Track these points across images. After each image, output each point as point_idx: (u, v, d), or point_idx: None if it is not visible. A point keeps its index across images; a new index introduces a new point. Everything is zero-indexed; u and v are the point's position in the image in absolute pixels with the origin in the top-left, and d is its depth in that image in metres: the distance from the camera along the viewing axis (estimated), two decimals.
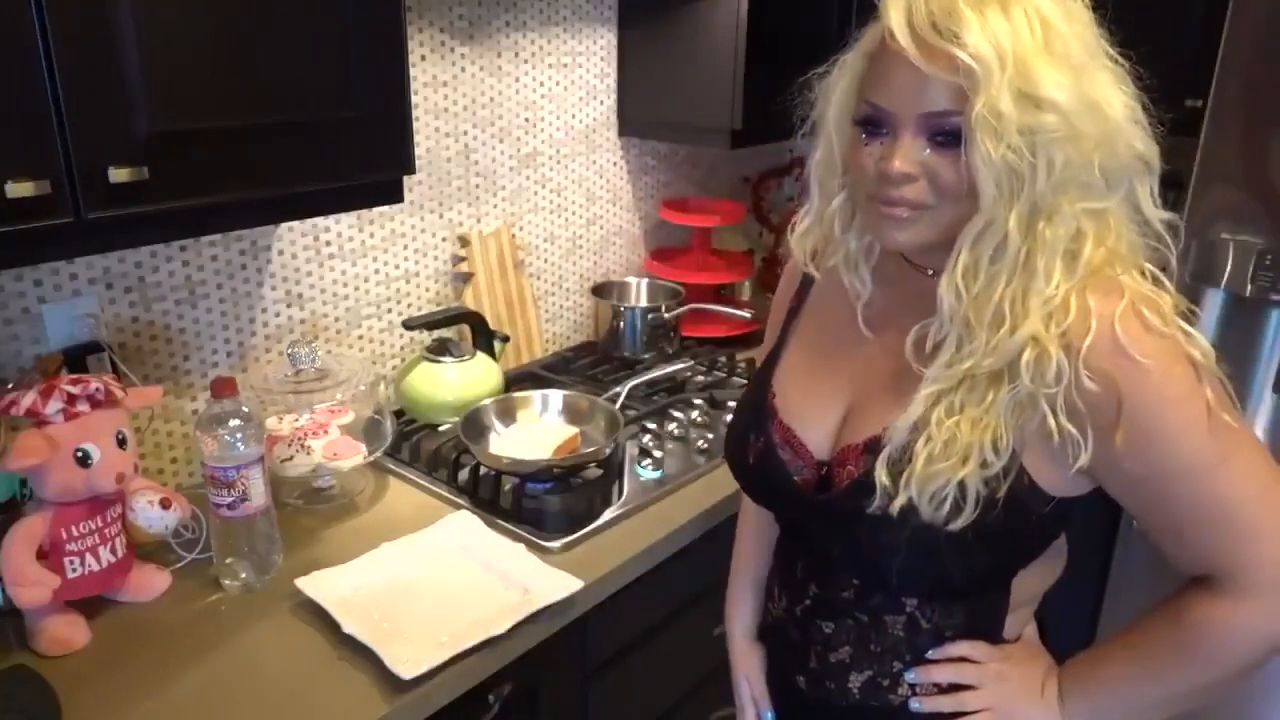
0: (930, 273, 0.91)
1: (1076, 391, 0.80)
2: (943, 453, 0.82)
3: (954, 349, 0.84)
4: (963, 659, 0.95)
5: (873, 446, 0.90)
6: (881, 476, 0.85)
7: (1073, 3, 0.81)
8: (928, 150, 0.81)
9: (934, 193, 0.82)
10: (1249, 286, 1.73)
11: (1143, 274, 0.84)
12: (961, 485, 0.82)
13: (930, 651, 0.95)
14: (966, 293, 0.82)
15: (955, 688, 0.95)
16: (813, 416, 0.98)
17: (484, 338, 1.78)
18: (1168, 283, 0.84)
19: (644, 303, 2.14)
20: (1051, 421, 0.81)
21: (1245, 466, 0.83)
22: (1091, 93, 0.78)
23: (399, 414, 1.69)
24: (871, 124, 0.84)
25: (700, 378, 1.94)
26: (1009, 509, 0.84)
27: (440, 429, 1.67)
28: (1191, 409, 0.80)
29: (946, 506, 0.82)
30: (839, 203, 0.94)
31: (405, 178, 1.35)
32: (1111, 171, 0.81)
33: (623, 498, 1.49)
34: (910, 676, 0.95)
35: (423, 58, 1.71)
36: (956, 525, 0.83)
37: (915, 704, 0.96)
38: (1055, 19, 0.78)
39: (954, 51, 0.76)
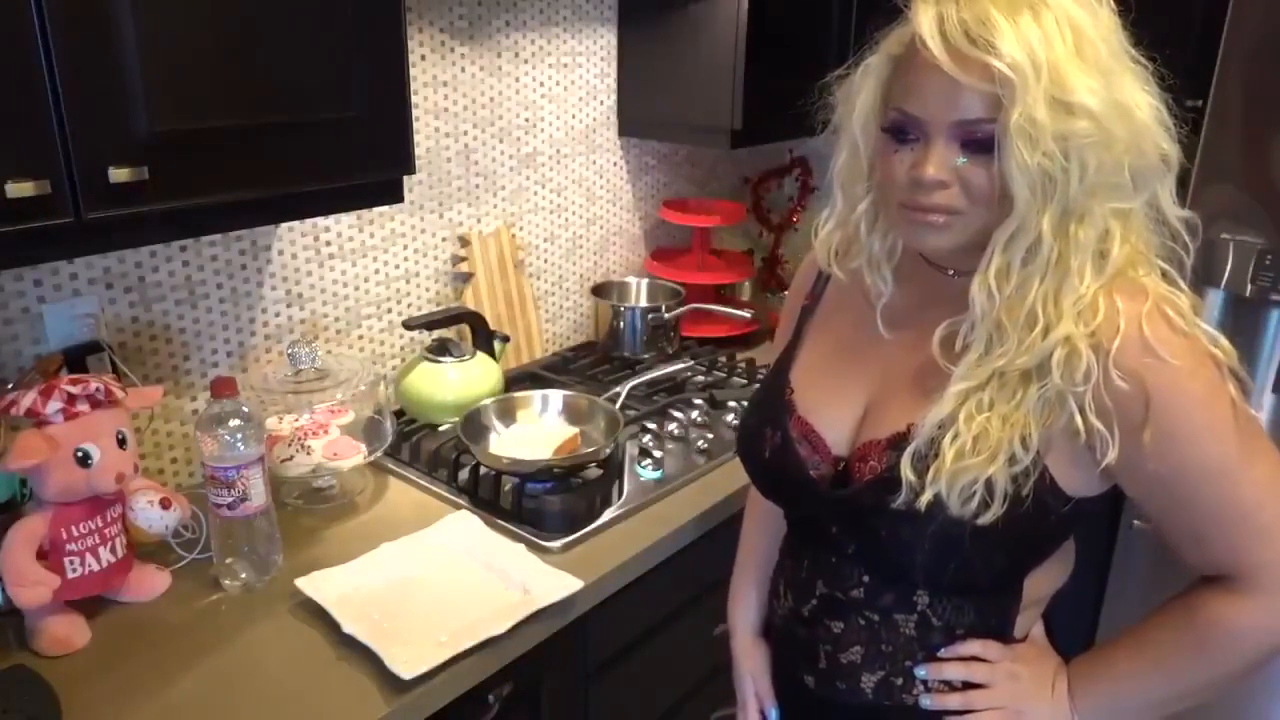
0: (951, 273, 0.92)
1: (1105, 390, 0.80)
2: (973, 449, 0.83)
3: (984, 348, 0.84)
4: (974, 658, 0.95)
5: (896, 442, 0.90)
6: (907, 471, 0.86)
7: (1099, 6, 0.81)
8: (960, 157, 0.81)
9: (966, 198, 0.82)
10: (1249, 286, 1.73)
11: (1159, 273, 0.85)
12: (989, 482, 0.83)
13: (942, 650, 0.95)
14: (999, 294, 0.82)
15: (967, 686, 0.95)
16: (832, 412, 0.98)
17: (484, 338, 1.77)
18: (1181, 282, 0.85)
19: (644, 303, 2.14)
20: (1079, 420, 0.82)
21: (1265, 468, 0.84)
22: (1120, 96, 0.79)
23: (399, 414, 1.69)
24: (901, 131, 0.84)
25: (700, 378, 1.94)
26: (1034, 506, 0.85)
27: (440, 429, 1.67)
28: (1217, 409, 0.82)
29: (975, 502, 0.83)
30: (864, 206, 0.94)
31: (405, 178, 1.35)
32: (1139, 172, 0.82)
33: (623, 498, 1.49)
34: (921, 673, 0.95)
35: (423, 58, 1.71)
36: (985, 520, 0.83)
37: (926, 700, 0.96)
38: (1084, 23, 0.79)
39: (989, 60, 0.76)
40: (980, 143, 0.80)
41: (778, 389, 1.04)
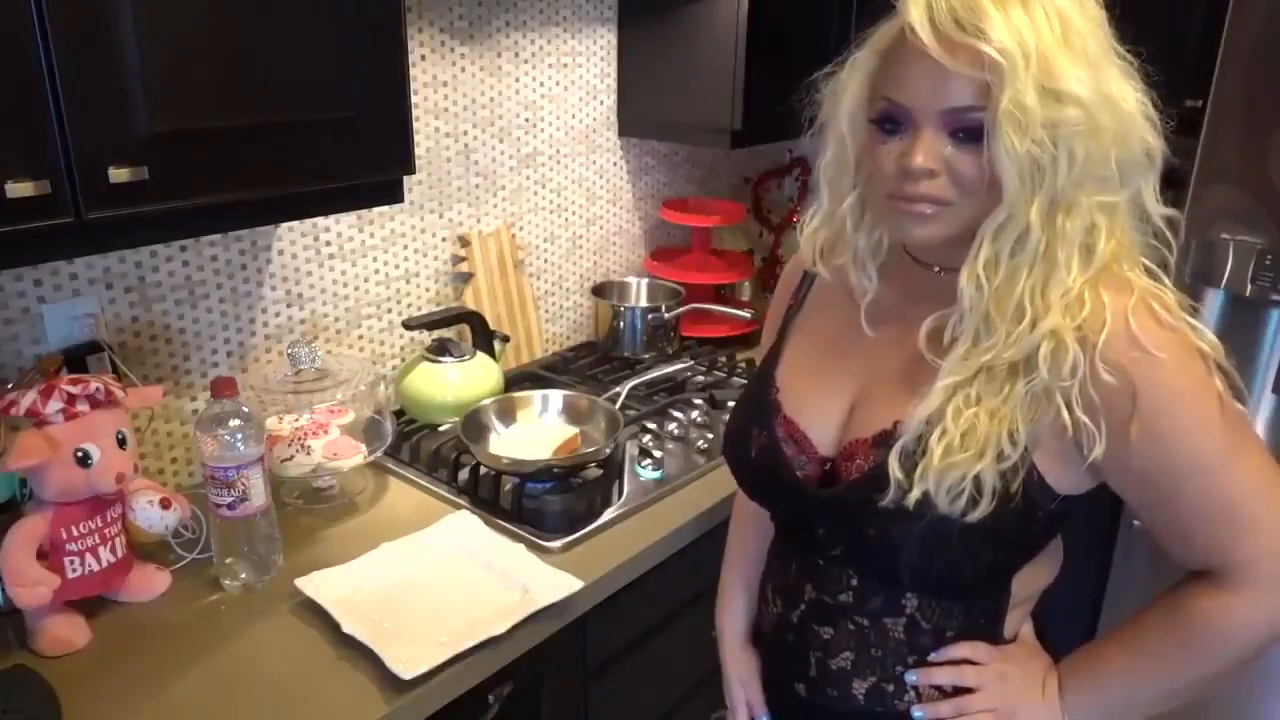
0: (937, 269, 0.92)
1: (1092, 384, 0.80)
2: (961, 444, 0.82)
3: (971, 341, 0.84)
4: (964, 660, 0.95)
5: (883, 440, 0.90)
6: (894, 469, 0.85)
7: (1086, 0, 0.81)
8: (949, 145, 0.81)
9: (954, 188, 0.82)
10: (1249, 286, 1.73)
11: (1144, 270, 0.85)
12: (977, 478, 0.82)
13: (931, 655, 0.95)
14: (988, 284, 0.82)
15: (958, 690, 0.95)
16: (817, 411, 0.98)
17: (484, 338, 1.78)
18: (1165, 278, 0.85)
19: (644, 303, 2.14)
20: (1066, 415, 0.81)
21: (1251, 462, 0.84)
22: (1107, 87, 0.79)
23: (399, 414, 1.69)
24: (889, 121, 0.84)
25: (700, 378, 1.94)
26: (1023, 503, 0.85)
27: (440, 429, 1.67)
28: (1204, 403, 0.82)
29: (963, 499, 0.83)
30: (850, 202, 0.94)
31: (405, 178, 1.35)
32: (1125, 165, 0.82)
33: (623, 498, 1.49)
34: (911, 679, 0.95)
35: (423, 58, 1.71)
36: (974, 517, 0.83)
37: (918, 712, 0.95)
38: (1072, 14, 0.79)
39: (979, 46, 0.76)
40: (969, 130, 0.80)
41: (763, 389, 1.03)
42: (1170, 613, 0.90)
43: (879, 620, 0.95)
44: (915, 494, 0.84)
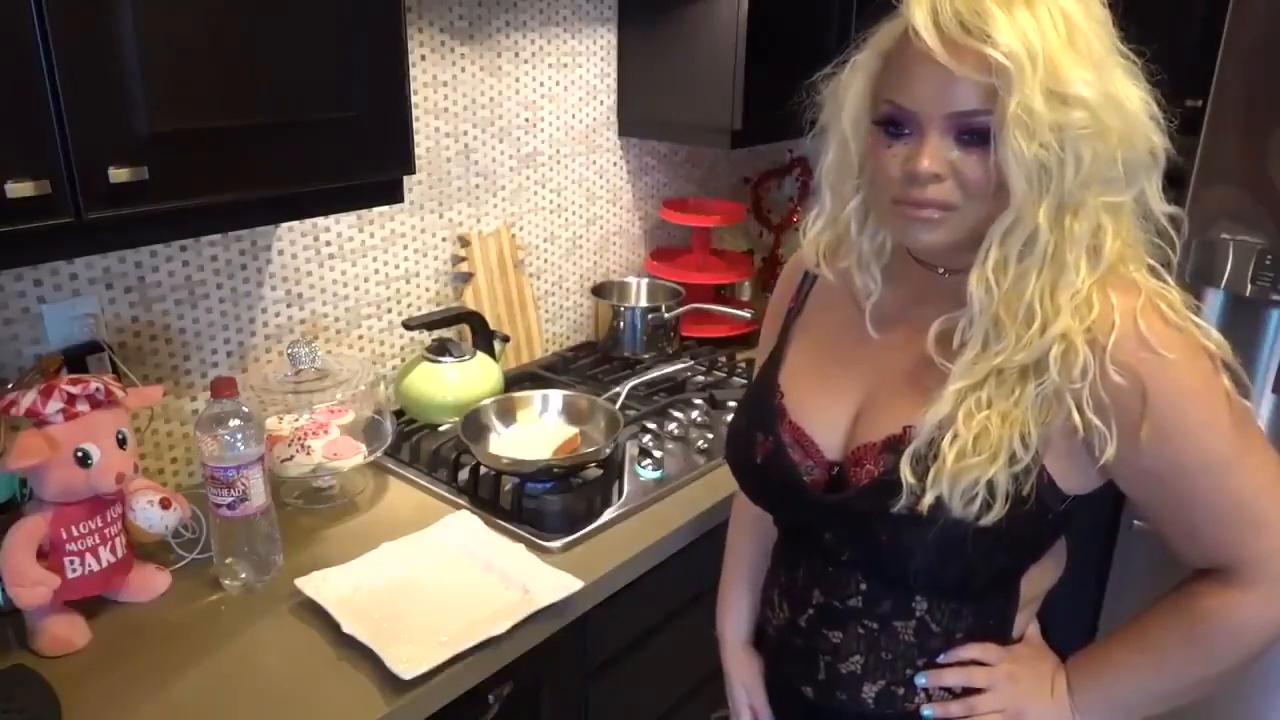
0: (941, 270, 0.91)
1: (1102, 386, 0.80)
2: (973, 448, 0.82)
3: (981, 345, 0.84)
4: (973, 662, 0.95)
5: (892, 444, 0.89)
6: (906, 474, 0.85)
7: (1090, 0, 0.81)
8: (954, 149, 0.81)
9: (960, 192, 0.82)
10: (1249, 286, 1.73)
11: (1148, 269, 0.85)
12: (990, 482, 0.82)
13: (941, 656, 0.95)
14: (997, 288, 0.82)
15: (967, 692, 0.95)
16: (823, 416, 0.97)
17: (484, 338, 1.78)
18: (1168, 278, 0.85)
19: (644, 303, 2.14)
20: (1076, 417, 0.81)
21: (1258, 460, 0.84)
22: (1112, 88, 0.79)
23: (399, 414, 1.69)
24: (893, 124, 0.83)
25: (700, 378, 1.94)
26: (1036, 504, 0.85)
27: (440, 429, 1.67)
28: (1212, 403, 0.82)
29: (977, 503, 0.82)
30: (854, 205, 0.93)
31: (405, 178, 1.35)
32: (1131, 165, 0.81)
33: (623, 498, 1.49)
34: (921, 681, 0.95)
35: (423, 58, 1.71)
36: (988, 521, 0.83)
37: (927, 711, 0.95)
38: (1076, 15, 0.78)
39: (985, 50, 0.76)
40: (976, 134, 0.79)
41: (767, 393, 1.02)
42: (1177, 611, 0.90)
43: (889, 623, 0.94)
44: (928, 499, 0.83)
